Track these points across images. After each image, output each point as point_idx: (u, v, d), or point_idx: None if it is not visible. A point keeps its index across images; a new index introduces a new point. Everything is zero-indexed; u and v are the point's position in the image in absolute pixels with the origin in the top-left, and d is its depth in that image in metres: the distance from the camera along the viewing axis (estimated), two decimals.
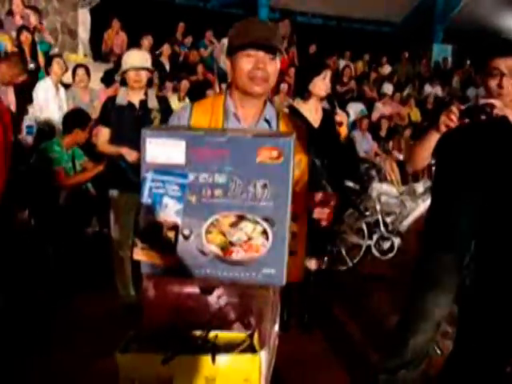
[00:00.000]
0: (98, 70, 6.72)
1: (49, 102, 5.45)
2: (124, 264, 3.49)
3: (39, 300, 3.54)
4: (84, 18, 9.41)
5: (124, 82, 3.44)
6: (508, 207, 2.02)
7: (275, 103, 1.93)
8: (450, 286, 2.15)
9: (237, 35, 1.63)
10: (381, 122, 8.43)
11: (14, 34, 6.57)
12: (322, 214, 1.58)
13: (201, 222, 1.37)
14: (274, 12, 12.32)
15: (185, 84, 7.33)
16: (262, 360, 1.36)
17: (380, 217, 4.93)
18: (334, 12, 13.29)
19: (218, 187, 1.35)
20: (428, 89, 10.91)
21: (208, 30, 10.04)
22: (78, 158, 4.12)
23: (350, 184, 4.74)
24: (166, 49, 8.72)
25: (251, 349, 1.38)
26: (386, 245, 4.90)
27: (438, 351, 2.90)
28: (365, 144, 7.64)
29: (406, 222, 4.92)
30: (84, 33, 9.39)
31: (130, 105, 3.39)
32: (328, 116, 3.25)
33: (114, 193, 3.43)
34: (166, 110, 3.46)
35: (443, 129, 1.92)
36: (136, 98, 3.40)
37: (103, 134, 3.40)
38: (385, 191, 5.18)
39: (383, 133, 8.31)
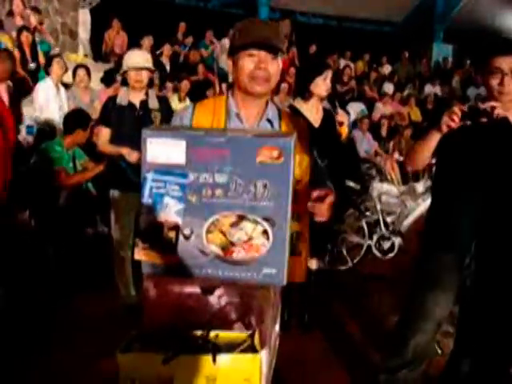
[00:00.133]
0: (98, 70, 6.73)
1: (49, 102, 5.45)
2: (125, 264, 3.49)
3: (39, 300, 3.54)
4: (84, 18, 9.41)
5: (125, 82, 3.44)
6: (508, 208, 2.02)
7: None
8: (451, 286, 2.15)
9: (238, 35, 1.63)
10: (381, 122, 8.44)
11: (14, 34, 6.58)
12: (318, 209, 1.56)
13: (201, 221, 1.37)
14: (275, 12, 12.33)
15: (185, 84, 7.33)
16: (262, 360, 1.36)
17: (380, 216, 4.93)
18: (334, 12, 13.29)
19: (218, 187, 1.35)
20: (428, 88, 10.91)
21: (208, 30, 10.04)
22: (78, 158, 4.12)
23: (351, 184, 4.74)
24: (166, 49, 8.73)
25: (252, 349, 1.38)
26: (387, 244, 4.90)
27: (439, 351, 2.90)
28: (365, 144, 7.65)
29: (407, 222, 4.92)
30: (84, 33, 9.39)
31: (131, 105, 3.39)
32: (329, 116, 3.25)
33: (114, 193, 3.43)
34: (166, 110, 3.47)
35: (445, 129, 1.93)
36: (137, 98, 3.40)
37: (104, 134, 3.40)
38: (385, 191, 5.18)
39: (384, 132, 8.31)
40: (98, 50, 9.12)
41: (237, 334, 1.44)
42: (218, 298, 1.47)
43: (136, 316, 1.58)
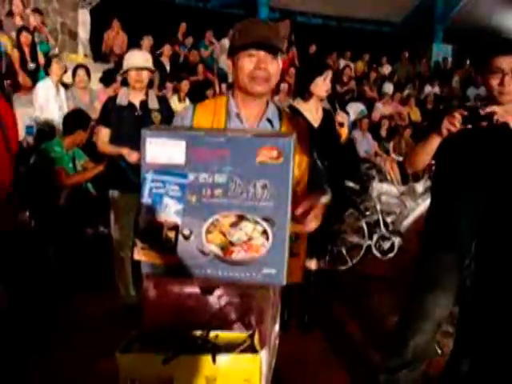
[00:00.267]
0: (97, 71, 6.73)
1: (49, 103, 5.45)
2: (124, 264, 3.49)
3: (39, 300, 3.54)
4: (84, 18, 9.41)
5: (125, 82, 3.44)
6: (508, 208, 2.02)
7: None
8: (451, 286, 2.15)
9: (238, 35, 1.63)
10: (381, 122, 8.44)
11: (13, 34, 6.58)
12: (305, 221, 1.50)
13: (201, 222, 1.37)
14: (274, 12, 12.33)
15: (185, 84, 7.33)
16: (262, 360, 1.36)
17: (380, 216, 4.93)
18: (333, 12, 13.30)
19: (218, 187, 1.35)
20: (428, 89, 10.91)
21: (208, 31, 10.04)
22: (78, 158, 4.12)
23: (351, 184, 4.75)
24: (166, 49, 8.73)
25: (252, 349, 1.38)
26: (387, 245, 4.91)
27: (439, 351, 2.90)
28: (365, 144, 7.65)
29: (406, 222, 4.93)
30: (84, 33, 9.39)
31: (131, 105, 3.39)
32: (328, 116, 3.26)
33: (114, 193, 3.43)
34: (166, 111, 3.47)
35: (445, 133, 1.95)
36: (137, 98, 3.40)
37: (103, 135, 3.40)
38: (385, 191, 5.18)
39: (383, 133, 8.32)
40: (98, 50, 9.11)
41: (237, 334, 1.44)
42: (217, 298, 1.47)
43: (136, 316, 1.58)
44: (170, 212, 1.38)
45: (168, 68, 8.57)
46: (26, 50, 6.44)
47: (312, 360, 2.95)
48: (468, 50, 11.62)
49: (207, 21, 10.50)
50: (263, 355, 1.37)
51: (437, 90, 10.96)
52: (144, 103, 3.41)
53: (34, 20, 7.25)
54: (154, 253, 1.41)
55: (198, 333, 1.41)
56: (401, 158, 7.26)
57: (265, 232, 1.35)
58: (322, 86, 3.12)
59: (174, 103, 6.67)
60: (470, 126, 1.90)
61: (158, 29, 8.75)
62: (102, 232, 4.34)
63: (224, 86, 8.51)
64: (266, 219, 1.35)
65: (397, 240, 4.88)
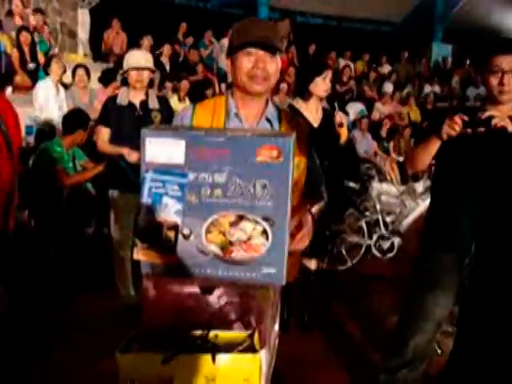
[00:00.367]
0: (97, 70, 6.71)
1: (49, 102, 5.46)
2: (124, 264, 3.49)
3: (39, 300, 3.54)
4: (84, 18, 9.41)
5: (125, 82, 3.44)
6: (507, 209, 2.02)
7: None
8: (451, 286, 2.15)
9: (237, 35, 1.63)
10: (380, 122, 8.44)
11: (13, 34, 6.58)
12: (295, 240, 1.48)
13: (201, 221, 1.37)
14: (274, 12, 12.32)
15: (185, 84, 7.33)
16: (262, 360, 1.36)
17: (380, 216, 4.93)
18: (333, 12, 13.29)
19: (217, 187, 1.35)
20: (428, 88, 10.91)
21: (208, 30, 10.03)
22: (78, 158, 4.12)
23: (350, 184, 4.75)
24: (166, 49, 8.72)
25: (251, 348, 1.38)
26: (386, 244, 4.91)
27: (439, 351, 2.90)
28: (365, 144, 7.65)
29: (406, 222, 4.93)
30: (83, 33, 9.38)
31: (131, 105, 3.38)
32: (328, 116, 3.26)
33: (114, 193, 3.43)
34: (166, 110, 3.47)
35: (445, 137, 1.97)
36: (137, 98, 3.40)
37: (104, 134, 3.40)
38: (385, 191, 5.18)
39: (383, 132, 8.32)
40: (98, 49, 9.11)
41: (236, 333, 1.44)
42: (217, 298, 1.47)
43: (135, 316, 1.58)
44: (170, 212, 1.38)
45: (168, 68, 8.57)
46: (26, 49, 6.44)
47: (312, 360, 2.95)
48: (468, 49, 11.62)
49: (207, 20, 10.49)
50: (263, 355, 1.37)
51: (436, 89, 10.96)
52: (144, 103, 3.41)
53: (34, 20, 7.25)
54: (153, 252, 1.41)
55: (198, 332, 1.41)
56: (400, 158, 7.28)
57: (264, 232, 1.35)
58: (321, 85, 3.13)
59: (174, 103, 6.66)
60: (469, 131, 1.92)
61: (158, 28, 8.75)
62: (101, 232, 4.34)
63: (224, 85, 8.51)
64: (265, 219, 1.35)
65: (396, 240, 4.89)
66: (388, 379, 2.31)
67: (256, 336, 1.42)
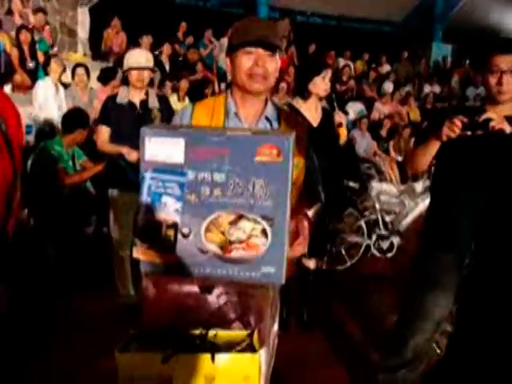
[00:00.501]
0: (97, 70, 6.70)
1: (48, 102, 5.46)
2: (124, 263, 3.48)
3: (39, 300, 3.53)
4: (83, 17, 9.40)
5: (125, 81, 3.44)
6: (507, 209, 2.02)
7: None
8: (450, 286, 2.15)
9: (236, 33, 1.63)
10: (380, 122, 8.44)
11: (13, 33, 6.57)
12: (292, 248, 1.49)
13: (200, 220, 1.37)
14: (274, 11, 12.32)
15: (184, 83, 7.32)
16: (261, 359, 1.36)
17: (379, 216, 4.93)
18: (333, 11, 13.28)
19: (217, 186, 1.35)
20: (427, 88, 10.91)
21: (207, 30, 10.03)
22: (78, 157, 4.12)
23: (350, 183, 4.75)
24: (166, 48, 8.71)
25: (251, 348, 1.38)
26: (386, 244, 4.91)
27: (438, 351, 2.90)
28: (364, 143, 7.65)
29: (406, 222, 4.93)
30: (83, 32, 9.37)
31: (131, 104, 3.38)
32: (327, 115, 3.26)
33: (113, 192, 3.43)
34: (166, 110, 3.47)
35: (445, 139, 1.97)
36: (137, 97, 3.40)
37: (103, 133, 3.40)
38: (384, 190, 5.19)
39: (383, 132, 8.32)
40: (97, 49, 9.10)
41: (236, 333, 1.44)
42: (216, 297, 1.47)
43: (135, 315, 1.58)
44: (169, 210, 1.38)
45: (167, 67, 8.56)
46: (26, 48, 6.43)
47: (311, 359, 2.95)
48: (467, 49, 11.62)
49: (207, 20, 10.49)
50: (262, 354, 1.37)
51: (436, 89, 10.96)
52: (144, 102, 3.40)
53: (34, 19, 7.24)
54: (153, 251, 1.41)
55: (197, 332, 1.41)
56: (400, 158, 7.28)
57: (264, 231, 1.35)
58: (321, 85, 3.12)
59: (174, 102, 6.65)
60: (468, 133, 1.93)
61: (158, 28, 8.74)
62: (101, 231, 4.34)
63: (223, 85, 8.50)
64: (265, 218, 1.35)
65: (396, 239, 4.89)
66: (387, 379, 2.31)
67: (255, 335, 1.42)
